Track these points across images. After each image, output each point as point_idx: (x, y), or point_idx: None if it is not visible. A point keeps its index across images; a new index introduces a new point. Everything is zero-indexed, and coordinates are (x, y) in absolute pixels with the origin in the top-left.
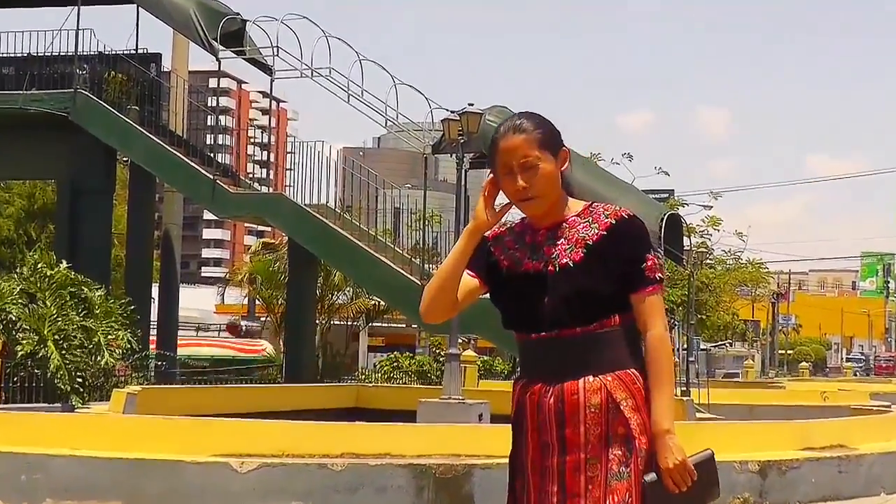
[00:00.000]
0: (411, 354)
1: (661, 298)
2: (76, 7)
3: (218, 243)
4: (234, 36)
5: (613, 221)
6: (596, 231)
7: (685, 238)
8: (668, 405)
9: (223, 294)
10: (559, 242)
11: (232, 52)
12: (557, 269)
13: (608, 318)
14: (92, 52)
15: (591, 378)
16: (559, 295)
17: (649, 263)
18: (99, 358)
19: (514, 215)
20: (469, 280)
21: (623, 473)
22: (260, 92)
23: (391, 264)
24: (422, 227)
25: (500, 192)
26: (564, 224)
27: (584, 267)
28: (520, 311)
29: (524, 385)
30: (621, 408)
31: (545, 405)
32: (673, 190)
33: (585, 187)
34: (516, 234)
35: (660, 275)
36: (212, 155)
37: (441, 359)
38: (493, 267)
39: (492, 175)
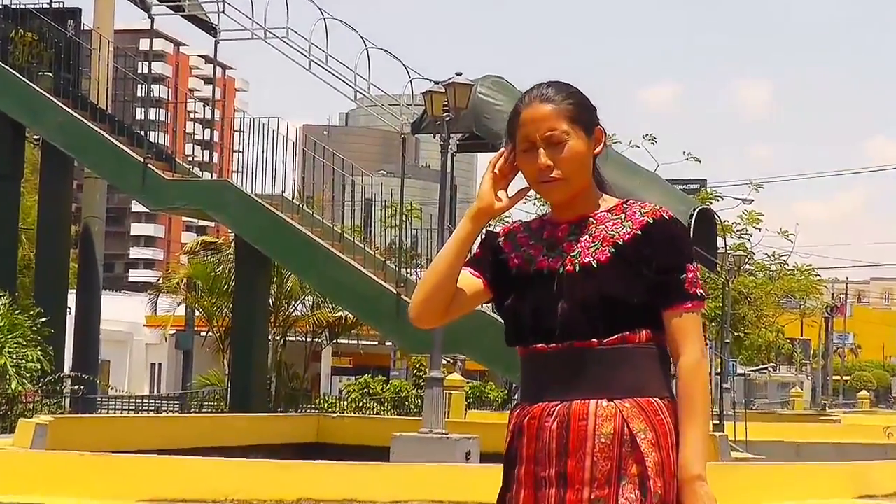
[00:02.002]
0: (385, 378)
1: (700, 318)
2: None
3: (149, 241)
4: None
5: (651, 220)
6: (629, 229)
7: (719, 238)
8: (700, 446)
9: (155, 303)
10: (582, 239)
11: (167, 6)
12: (577, 268)
13: (634, 332)
14: None
15: (604, 402)
16: (577, 299)
17: (690, 275)
18: (5, 384)
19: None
20: (471, 279)
21: None
22: (202, 56)
23: (360, 268)
24: (398, 222)
25: (517, 173)
26: (591, 219)
27: (609, 268)
28: (527, 317)
29: (523, 409)
30: (637, 441)
31: (546, 430)
32: (705, 180)
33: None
34: (533, 230)
35: (700, 291)
36: (142, 133)
37: (421, 383)
38: (502, 267)
39: (507, 146)
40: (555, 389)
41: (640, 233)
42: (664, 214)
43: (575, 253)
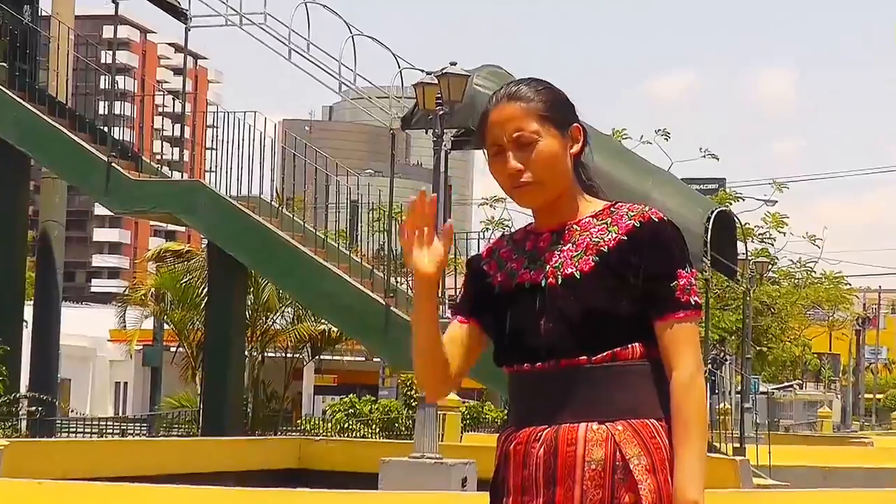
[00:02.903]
0: (373, 397)
1: (696, 329)
2: None
3: (114, 248)
4: None
5: (637, 224)
6: (614, 235)
7: (740, 243)
8: (697, 469)
9: (123, 316)
10: (565, 248)
11: None
12: (560, 280)
13: (625, 348)
14: None
15: (594, 425)
16: (560, 314)
17: (682, 282)
18: None
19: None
20: (462, 331)
21: None
22: (171, 45)
23: (346, 277)
24: (387, 226)
25: (435, 209)
26: (575, 226)
27: (593, 279)
28: (510, 336)
29: (509, 434)
30: (631, 467)
31: (532, 457)
32: (724, 179)
33: (603, 175)
34: (515, 242)
35: (695, 299)
36: (106, 129)
37: (412, 403)
38: (487, 290)
39: (419, 194)
40: (542, 413)
41: (625, 238)
42: (653, 217)
43: (557, 263)
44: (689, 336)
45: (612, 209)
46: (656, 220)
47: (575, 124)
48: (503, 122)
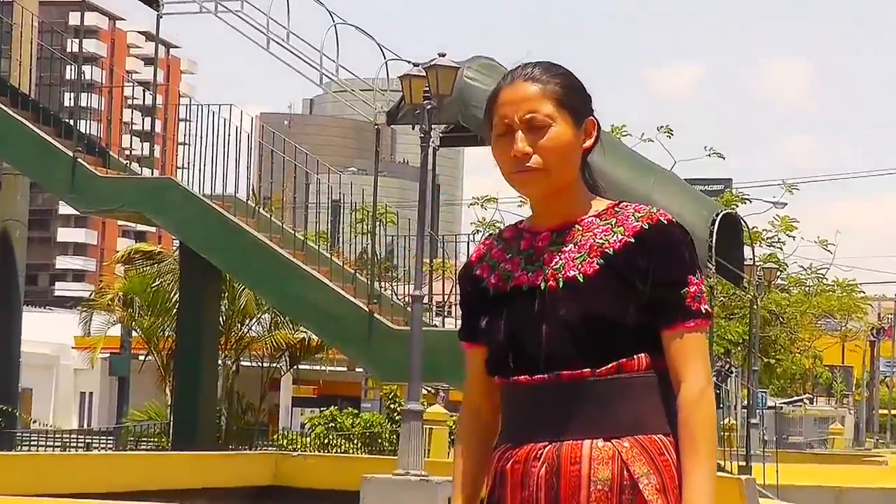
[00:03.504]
0: (354, 410)
1: (705, 339)
2: None
3: (79, 249)
4: None
5: (646, 226)
6: (620, 236)
7: (746, 248)
8: (706, 487)
9: (89, 322)
10: (566, 248)
11: None
12: (561, 284)
13: (630, 358)
14: None
15: (600, 442)
16: (561, 321)
17: (693, 289)
18: None
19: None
20: (479, 356)
21: None
22: (142, 33)
23: (327, 281)
24: (371, 227)
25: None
26: (577, 226)
27: (598, 283)
28: (504, 344)
29: (505, 451)
30: (640, 487)
31: (532, 477)
32: (730, 179)
33: (601, 175)
34: (507, 240)
35: (706, 307)
36: (72, 122)
37: (396, 417)
38: (482, 297)
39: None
40: (542, 428)
41: (632, 240)
42: (661, 218)
43: (557, 265)
44: (698, 346)
45: (616, 209)
46: (665, 221)
47: (590, 117)
48: (516, 101)
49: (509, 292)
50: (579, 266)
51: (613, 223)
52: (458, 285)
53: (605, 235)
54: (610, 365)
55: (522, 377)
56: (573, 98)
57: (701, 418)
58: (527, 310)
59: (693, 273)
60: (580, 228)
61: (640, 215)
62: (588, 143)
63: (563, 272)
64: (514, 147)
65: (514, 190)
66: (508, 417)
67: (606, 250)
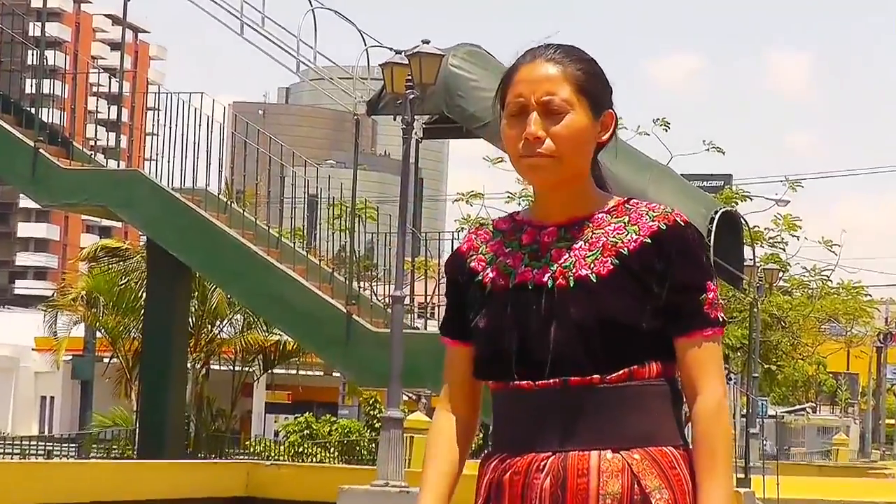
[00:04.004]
0: (332, 417)
1: (721, 349)
2: None
3: (41, 245)
4: None
5: (663, 226)
6: (635, 236)
7: (747, 248)
8: (722, 502)
9: (54, 322)
10: (577, 245)
11: None
12: (572, 283)
13: (643, 365)
14: None
15: (608, 454)
16: (572, 323)
17: (710, 296)
18: None
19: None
20: (464, 357)
21: None
22: (108, 16)
23: (302, 280)
24: (350, 223)
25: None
26: (587, 222)
27: (612, 284)
28: (503, 345)
29: (502, 461)
30: (652, 501)
31: (535, 489)
32: (730, 175)
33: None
34: (504, 233)
35: (722, 315)
36: (33, 111)
37: (376, 425)
38: (476, 292)
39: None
40: (545, 437)
41: (649, 241)
42: (678, 219)
43: (567, 263)
44: (715, 356)
45: (626, 206)
46: (682, 222)
47: (610, 110)
48: (535, 80)
49: (511, 289)
50: (591, 265)
51: (626, 221)
52: (445, 275)
53: (618, 234)
54: (621, 371)
55: (525, 382)
56: (595, 86)
57: (720, 432)
58: (532, 309)
59: (711, 278)
60: (590, 225)
61: (655, 214)
62: (605, 136)
63: (573, 270)
64: (527, 129)
65: (520, 175)
66: (505, 424)
67: (621, 250)
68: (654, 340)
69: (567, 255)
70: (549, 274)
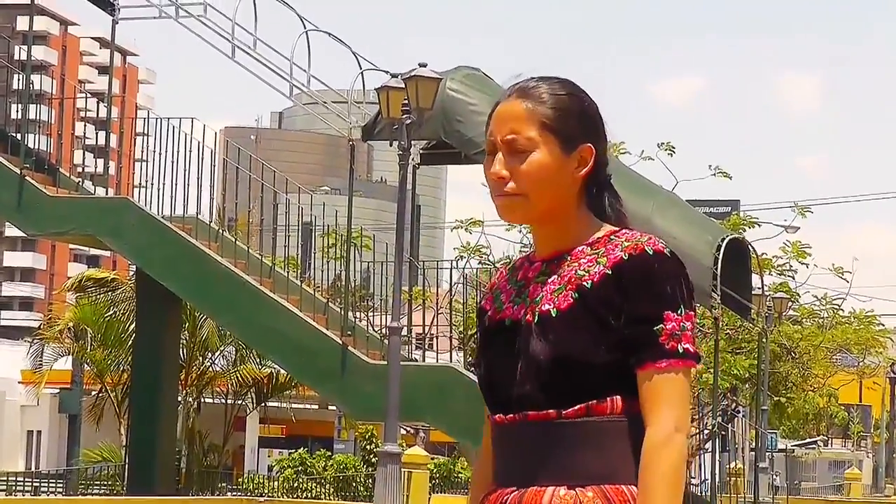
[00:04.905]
0: (327, 452)
1: (683, 381)
2: None
3: (27, 275)
4: None
5: (625, 256)
6: (600, 269)
7: (755, 276)
8: None
9: (40, 354)
10: (551, 280)
11: None
12: (536, 318)
13: (601, 400)
14: None
15: (562, 490)
16: (531, 358)
17: (669, 326)
18: None
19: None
20: None
21: None
22: (95, 39)
23: (296, 311)
24: (345, 252)
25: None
26: (566, 255)
27: (569, 319)
28: (486, 380)
29: (487, 495)
30: None
31: None
32: (737, 201)
33: None
34: (515, 269)
35: (686, 346)
36: (18, 136)
37: (373, 460)
38: (482, 326)
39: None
40: (510, 472)
41: (609, 272)
42: (647, 248)
43: (537, 298)
44: (671, 389)
45: (612, 237)
46: (651, 252)
47: (587, 144)
48: (503, 119)
49: (496, 326)
50: (555, 299)
51: (601, 253)
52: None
53: (588, 266)
54: (578, 407)
55: (497, 416)
56: (565, 123)
57: (660, 468)
58: (506, 345)
59: (673, 308)
60: (568, 258)
61: (626, 244)
62: (583, 170)
63: (539, 305)
64: (492, 168)
65: (497, 213)
66: (494, 458)
67: (584, 283)
68: (614, 375)
69: (540, 291)
70: (524, 310)
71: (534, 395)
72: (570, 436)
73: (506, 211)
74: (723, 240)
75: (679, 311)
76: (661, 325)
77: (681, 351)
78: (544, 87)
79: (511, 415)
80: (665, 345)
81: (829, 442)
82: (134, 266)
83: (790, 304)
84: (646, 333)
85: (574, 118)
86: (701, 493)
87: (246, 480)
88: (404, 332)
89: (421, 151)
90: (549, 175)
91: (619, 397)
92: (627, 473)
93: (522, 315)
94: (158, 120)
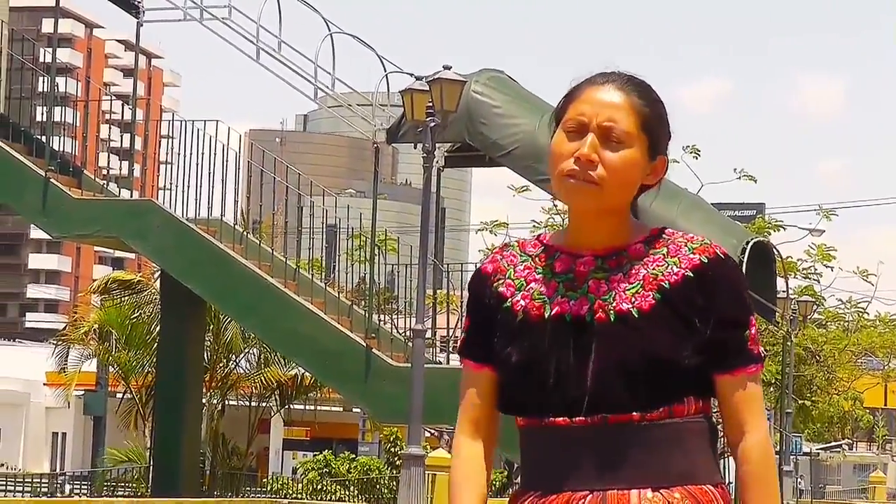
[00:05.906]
0: (351, 454)
1: (761, 385)
2: None
3: (52, 277)
4: None
5: (704, 260)
6: (676, 269)
7: (780, 279)
8: None
9: (65, 357)
10: (615, 277)
11: None
12: (612, 317)
13: (682, 402)
14: None
15: (648, 493)
16: (613, 359)
17: (753, 332)
18: None
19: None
20: (483, 382)
21: None
22: (120, 41)
23: (321, 314)
24: (370, 255)
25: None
26: (624, 252)
27: (654, 320)
28: (539, 379)
29: (537, 500)
30: None
31: None
32: (762, 204)
33: None
34: (534, 257)
35: (763, 350)
36: (44, 139)
37: (396, 462)
38: (506, 318)
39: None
40: (582, 476)
41: (691, 274)
42: (718, 252)
43: (607, 296)
44: (759, 394)
45: (663, 236)
46: (723, 256)
47: (663, 155)
48: (601, 104)
49: (548, 321)
50: (633, 299)
51: (665, 253)
52: (469, 293)
53: (658, 266)
54: (661, 409)
55: (561, 419)
56: (658, 128)
57: (771, 470)
58: (570, 344)
59: (753, 313)
60: (628, 255)
61: (694, 246)
62: (655, 180)
63: (613, 304)
64: (581, 149)
65: (557, 194)
66: (534, 462)
67: (662, 283)
68: (696, 378)
69: (606, 287)
70: (587, 306)
71: (618, 396)
72: (653, 437)
73: (578, 195)
74: (747, 243)
75: (754, 316)
76: (748, 331)
77: (763, 355)
78: (638, 85)
79: (582, 417)
80: (752, 350)
81: (854, 445)
82: (158, 268)
83: (815, 307)
84: (735, 338)
85: (664, 126)
86: None
87: (270, 482)
88: (428, 334)
89: (445, 154)
90: (635, 175)
91: (694, 398)
92: (707, 473)
93: (587, 312)
94: (183, 122)
